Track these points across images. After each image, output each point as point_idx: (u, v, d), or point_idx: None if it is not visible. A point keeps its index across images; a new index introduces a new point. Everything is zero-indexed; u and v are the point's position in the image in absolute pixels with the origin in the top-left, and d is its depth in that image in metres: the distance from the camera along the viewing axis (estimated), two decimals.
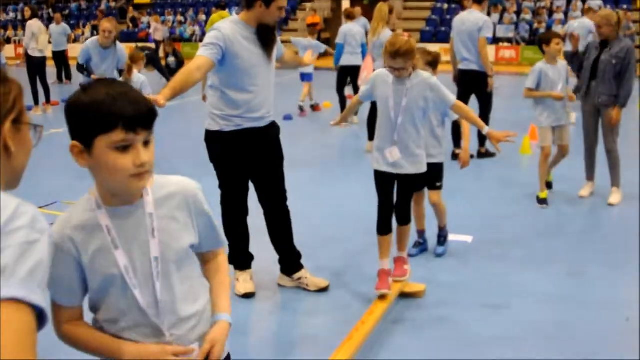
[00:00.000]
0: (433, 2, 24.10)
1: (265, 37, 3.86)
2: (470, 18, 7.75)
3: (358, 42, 9.69)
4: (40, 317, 1.18)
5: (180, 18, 26.59)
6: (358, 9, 11.87)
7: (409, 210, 4.08)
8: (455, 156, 7.67)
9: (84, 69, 7.35)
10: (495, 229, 5.44)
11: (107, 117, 1.51)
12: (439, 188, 4.78)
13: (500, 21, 21.45)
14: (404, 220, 4.06)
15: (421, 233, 4.94)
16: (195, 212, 1.74)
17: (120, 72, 7.46)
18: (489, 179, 6.88)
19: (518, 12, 22.16)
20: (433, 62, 4.64)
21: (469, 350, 3.51)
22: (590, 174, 6.33)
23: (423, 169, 3.94)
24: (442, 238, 4.90)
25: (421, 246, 4.90)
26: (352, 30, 9.75)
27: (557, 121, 5.88)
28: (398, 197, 3.99)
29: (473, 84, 7.76)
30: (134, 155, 1.54)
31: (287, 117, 10.60)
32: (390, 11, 8.07)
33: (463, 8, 9.13)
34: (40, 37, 11.99)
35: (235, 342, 3.74)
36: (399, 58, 3.68)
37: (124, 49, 7.64)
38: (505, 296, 4.15)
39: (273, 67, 4.03)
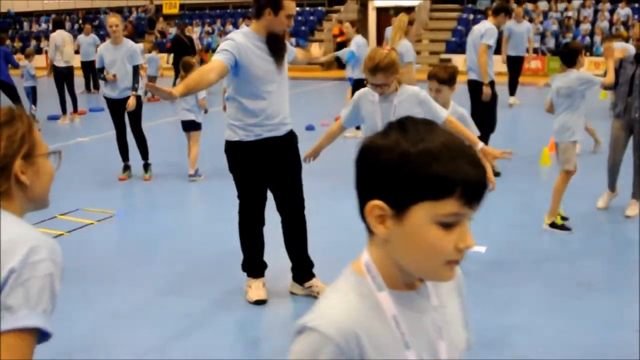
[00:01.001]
0: (459, 12, 24.06)
1: (275, 45, 3.96)
2: (478, 27, 7.75)
3: None
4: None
5: (207, 29, 26.90)
6: (394, 20, 11.97)
7: None
8: None
9: (102, 73, 7.45)
10: (511, 240, 5.43)
11: (444, 179, 1.07)
12: None
13: None
14: None
15: None
16: (463, 301, 1.35)
17: (135, 69, 7.35)
18: (507, 190, 6.84)
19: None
20: (449, 80, 4.29)
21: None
22: (612, 185, 6.20)
23: None
24: None
25: None
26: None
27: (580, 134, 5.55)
28: None
29: (473, 94, 7.71)
30: (458, 235, 1.10)
31: (309, 127, 10.66)
32: (411, 22, 8.11)
33: (487, 18, 9.14)
34: (64, 48, 12.21)
35: (247, 348, 3.82)
36: (378, 73, 3.47)
37: (137, 46, 7.64)
38: (513, 311, 4.17)
39: (285, 74, 4.12)
